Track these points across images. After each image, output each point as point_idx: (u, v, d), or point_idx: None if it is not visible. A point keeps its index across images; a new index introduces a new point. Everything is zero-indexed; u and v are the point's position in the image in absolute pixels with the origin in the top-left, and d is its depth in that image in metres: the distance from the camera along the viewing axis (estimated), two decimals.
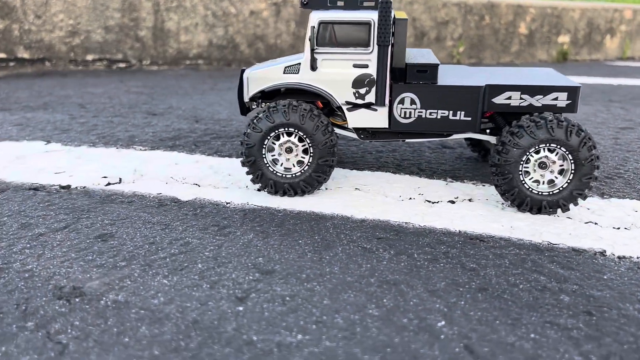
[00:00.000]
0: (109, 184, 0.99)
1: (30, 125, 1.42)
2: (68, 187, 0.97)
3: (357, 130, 0.94)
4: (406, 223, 0.84)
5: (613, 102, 2.00)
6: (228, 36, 2.90)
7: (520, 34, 3.53)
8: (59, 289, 0.63)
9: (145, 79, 2.44)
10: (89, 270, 0.68)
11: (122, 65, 2.75)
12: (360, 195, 0.95)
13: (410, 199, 0.95)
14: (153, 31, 2.75)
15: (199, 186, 0.99)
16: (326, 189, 0.98)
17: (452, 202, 0.94)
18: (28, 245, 0.74)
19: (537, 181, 0.89)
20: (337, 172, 1.08)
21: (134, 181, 1.00)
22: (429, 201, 0.94)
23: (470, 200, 0.95)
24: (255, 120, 0.89)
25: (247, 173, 0.91)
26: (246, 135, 0.89)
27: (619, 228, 0.86)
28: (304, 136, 0.89)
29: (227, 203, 0.90)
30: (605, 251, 0.77)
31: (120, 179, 1.01)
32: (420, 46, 3.29)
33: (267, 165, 0.90)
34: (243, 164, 0.91)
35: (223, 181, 1.01)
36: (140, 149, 1.21)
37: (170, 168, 1.08)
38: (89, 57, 2.69)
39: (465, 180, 1.05)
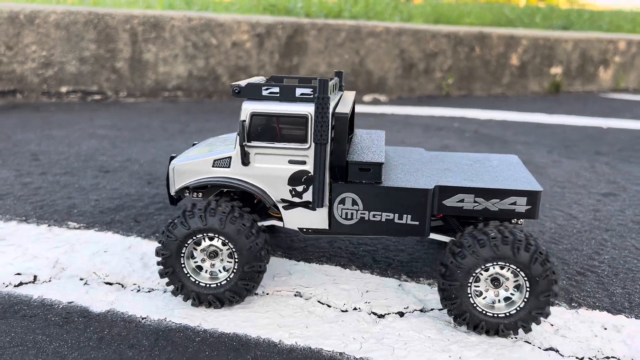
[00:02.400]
0: (20, 283, 0.89)
1: None
2: None
3: (299, 228, 0.85)
4: (340, 354, 0.74)
5: (600, 154, 1.91)
6: (209, 67, 2.81)
7: (511, 65, 3.44)
8: None
9: (118, 114, 2.35)
10: None
11: (97, 97, 2.66)
12: (298, 306, 0.85)
13: (355, 309, 0.85)
14: (130, 62, 2.67)
15: (122, 287, 0.89)
16: (264, 293, 0.88)
17: (401, 314, 0.84)
18: None
19: (492, 302, 0.79)
20: (283, 265, 0.98)
21: (50, 279, 0.90)
22: (375, 313, 0.84)
23: (422, 310, 0.85)
24: (170, 227, 0.79)
25: (167, 284, 0.82)
26: (162, 243, 0.79)
27: (582, 359, 0.76)
28: (226, 241, 0.79)
29: (142, 319, 0.80)
30: None
31: (35, 277, 0.91)
32: (409, 78, 3.20)
33: (188, 275, 0.81)
34: (161, 275, 0.81)
35: (149, 279, 0.91)
36: (74, 227, 1.11)
37: (97, 258, 0.98)
38: (63, 89, 2.60)
39: (421, 279, 0.95)
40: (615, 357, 0.76)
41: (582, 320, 0.85)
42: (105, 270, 0.94)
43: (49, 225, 1.12)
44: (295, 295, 0.88)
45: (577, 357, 0.76)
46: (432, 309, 0.86)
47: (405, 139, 2.05)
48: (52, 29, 2.51)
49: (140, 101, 2.70)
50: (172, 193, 0.87)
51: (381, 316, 0.83)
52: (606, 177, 1.63)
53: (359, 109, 2.73)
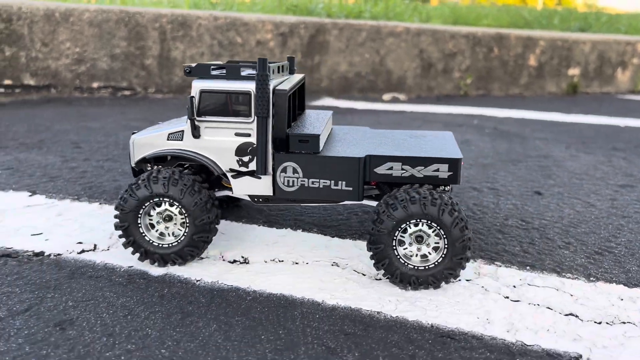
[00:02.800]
0: (82, 251, 0.98)
1: (20, 170, 1.42)
2: (41, 254, 0.96)
3: (249, 195, 0.94)
4: (378, 313, 0.81)
5: (617, 150, 1.96)
6: None
7: (529, 66, 3.49)
8: None
9: (147, 109, 2.45)
10: None
11: (127, 92, 2.77)
12: (336, 274, 0.93)
13: (388, 278, 0.92)
14: (159, 60, 2.77)
15: None
16: (304, 262, 0.96)
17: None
18: None
19: (410, 255, 0.88)
20: (319, 240, 1.06)
21: (109, 248, 0.99)
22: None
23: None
24: (134, 187, 0.88)
25: (120, 236, 0.91)
26: (122, 199, 0.89)
27: (600, 323, 0.82)
28: (183, 210, 0.88)
29: (197, 281, 0.88)
30: (581, 357, 0.74)
31: (95, 246, 1.00)
32: (427, 77, 3.27)
33: (142, 233, 0.90)
34: (116, 227, 0.90)
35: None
36: None
37: None
38: (94, 85, 2.71)
39: None
40: (631, 323, 0.82)
41: (599, 292, 0.91)
42: None
43: (100, 204, 1.20)
44: (332, 265, 0.96)
45: (595, 322, 0.82)
46: (459, 280, 0.93)
47: None
48: (85, 26, 2.62)
49: (167, 97, 2.80)
50: (133, 164, 0.95)
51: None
52: (623, 170, 1.69)
53: (377, 106, 2.81)
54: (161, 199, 0.88)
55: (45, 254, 0.96)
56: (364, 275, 0.93)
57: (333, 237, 1.08)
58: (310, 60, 3.06)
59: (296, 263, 0.96)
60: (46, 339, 0.72)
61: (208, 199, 0.89)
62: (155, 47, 2.75)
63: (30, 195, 1.23)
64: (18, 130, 1.94)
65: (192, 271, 0.91)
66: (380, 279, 0.92)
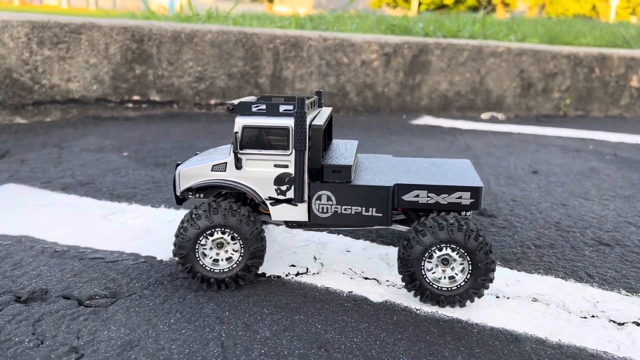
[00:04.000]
0: (298, 273, 1.07)
1: None
2: (262, 275, 1.06)
3: (285, 221, 1.03)
4: (604, 353, 0.86)
5: None
6: (339, 84, 3.00)
7: (631, 87, 3.42)
8: None
9: None
10: None
11: None
12: (541, 310, 0.98)
13: (593, 316, 0.96)
14: (271, 79, 2.91)
15: (378, 282, 1.05)
16: (504, 296, 1.02)
17: (638, 323, 0.95)
18: (257, 354, 0.82)
19: (438, 277, 0.96)
20: (509, 275, 1.11)
21: (319, 272, 1.08)
22: (614, 321, 0.95)
23: None
24: (194, 217, 0.97)
25: (178, 263, 1.00)
26: (183, 229, 0.98)
27: None
28: (239, 238, 0.98)
29: (417, 310, 0.96)
30: None
31: (307, 269, 1.09)
32: (527, 97, 3.26)
33: (198, 259, 0.99)
34: (175, 254, 0.99)
35: (399, 278, 1.06)
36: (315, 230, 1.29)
37: (344, 256, 1.16)
38: (212, 101, 2.87)
39: None
40: None
41: None
42: (358, 267, 1.11)
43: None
44: (533, 300, 1.01)
45: None
46: None
47: (550, 160, 2.13)
48: (207, 47, 2.79)
49: None
50: (178, 194, 1.04)
51: (621, 324, 0.94)
52: None
53: (477, 126, 2.83)
54: (217, 228, 0.98)
55: (267, 276, 1.06)
56: (569, 312, 0.98)
57: (520, 271, 1.13)
58: (412, 79, 3.12)
59: (497, 297, 1.02)
60: (308, 356, 0.80)
61: (261, 229, 1.00)
62: (268, 66, 2.89)
63: None
64: (164, 147, 2.10)
65: (406, 298, 0.99)
66: (585, 317, 0.96)
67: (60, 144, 2.10)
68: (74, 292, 0.98)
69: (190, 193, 1.05)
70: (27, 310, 0.91)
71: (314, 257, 1.14)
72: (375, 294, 1.00)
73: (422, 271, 0.95)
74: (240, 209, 0.98)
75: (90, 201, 1.47)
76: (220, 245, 0.99)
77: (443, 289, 0.95)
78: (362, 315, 0.93)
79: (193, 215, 0.98)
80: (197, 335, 0.85)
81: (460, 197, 0.97)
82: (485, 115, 3.20)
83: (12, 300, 0.94)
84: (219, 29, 2.80)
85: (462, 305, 0.96)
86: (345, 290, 1.01)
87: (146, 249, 1.17)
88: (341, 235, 1.27)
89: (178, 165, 1.06)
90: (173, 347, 0.82)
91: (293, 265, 1.10)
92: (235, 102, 0.99)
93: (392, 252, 1.19)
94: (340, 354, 0.82)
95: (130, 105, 2.74)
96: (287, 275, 1.06)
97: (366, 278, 1.07)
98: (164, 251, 1.15)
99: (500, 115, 3.22)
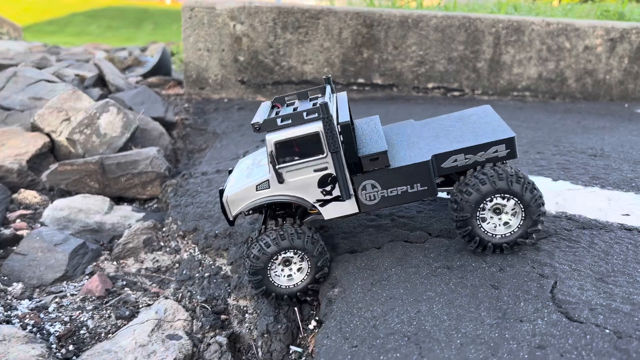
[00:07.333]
0: None
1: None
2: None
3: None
4: None
5: None
6: (558, 70, 2.93)
7: None
8: None
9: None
10: None
11: (456, 93, 2.97)
12: None
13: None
14: (490, 63, 2.91)
15: None
16: None
17: None
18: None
19: (495, 226, 0.99)
20: None
21: None
22: None
23: None
24: (283, 242, 1.01)
25: (252, 286, 1.06)
26: (257, 254, 1.02)
27: None
28: (306, 256, 1.03)
29: None
30: None
31: None
32: None
33: (269, 277, 1.04)
34: (250, 275, 1.04)
35: None
36: None
37: None
38: (429, 85, 2.95)
39: None
40: None
41: None
42: None
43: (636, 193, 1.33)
44: None
45: None
46: None
47: None
48: (431, 31, 2.86)
49: (492, 99, 2.94)
50: (231, 218, 1.07)
51: None
52: None
53: None
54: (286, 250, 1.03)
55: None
56: None
57: None
58: (638, 66, 2.95)
59: None
60: None
61: (324, 245, 1.05)
62: (488, 50, 2.90)
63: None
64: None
65: None
66: None
67: None
68: None
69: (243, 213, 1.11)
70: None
71: None
72: None
73: (479, 225, 0.99)
74: (305, 231, 1.03)
75: None
76: (287, 263, 1.06)
77: (501, 236, 0.99)
78: None
79: (280, 241, 1.02)
80: None
81: (496, 151, 0.99)
82: None
83: None
84: (444, 14, 2.86)
85: (523, 244, 0.99)
86: None
87: None
88: None
89: (222, 191, 1.11)
90: None
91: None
92: (260, 120, 1.00)
93: None
94: None
95: (355, 87, 2.91)
96: None
97: None
98: None
99: None
